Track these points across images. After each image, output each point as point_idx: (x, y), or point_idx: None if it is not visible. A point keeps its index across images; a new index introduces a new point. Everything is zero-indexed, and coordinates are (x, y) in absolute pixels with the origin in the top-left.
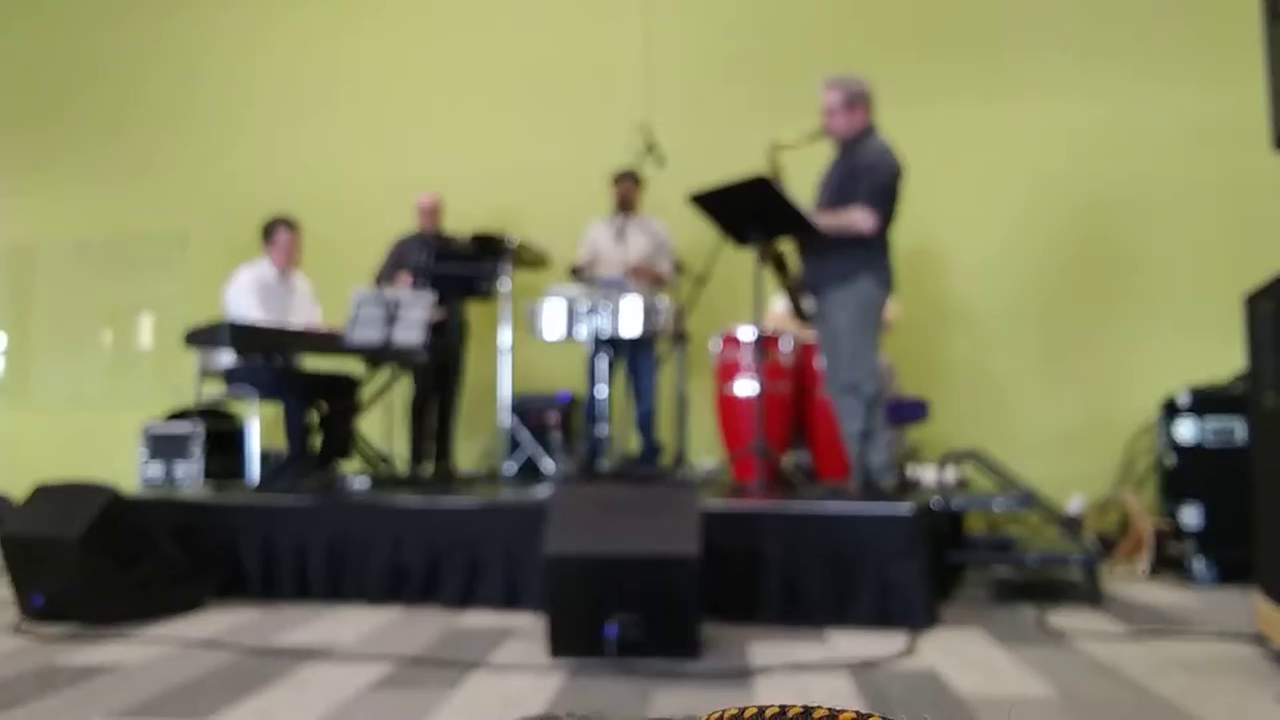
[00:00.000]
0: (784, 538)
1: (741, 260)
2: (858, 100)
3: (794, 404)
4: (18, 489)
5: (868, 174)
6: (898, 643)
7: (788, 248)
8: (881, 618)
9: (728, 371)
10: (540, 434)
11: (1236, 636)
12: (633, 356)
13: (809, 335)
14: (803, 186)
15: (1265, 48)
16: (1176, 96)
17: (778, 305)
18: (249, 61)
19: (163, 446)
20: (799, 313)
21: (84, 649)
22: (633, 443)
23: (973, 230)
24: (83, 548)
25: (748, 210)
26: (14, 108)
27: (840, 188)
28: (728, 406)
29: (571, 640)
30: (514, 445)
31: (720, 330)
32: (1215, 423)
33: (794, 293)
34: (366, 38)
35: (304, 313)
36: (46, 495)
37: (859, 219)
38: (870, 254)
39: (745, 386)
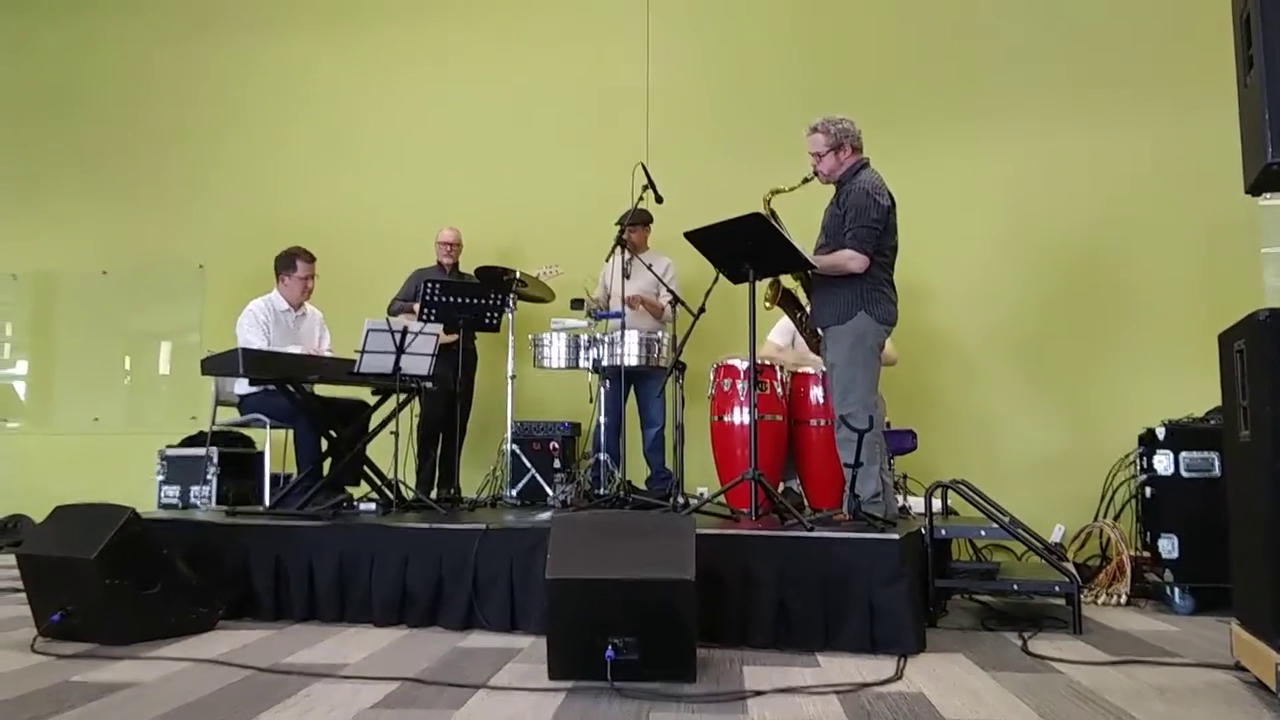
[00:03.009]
0: (776, 564)
1: (738, 292)
2: (843, 139)
3: (787, 433)
4: (38, 510)
5: (853, 216)
6: (887, 668)
7: (793, 285)
8: (871, 643)
9: (723, 401)
10: (543, 461)
11: (1214, 664)
12: (639, 387)
13: (804, 365)
14: (805, 229)
15: (1239, 98)
16: (1156, 134)
17: (773, 336)
18: (275, 100)
19: (179, 469)
20: (816, 349)
21: (99, 667)
22: (637, 470)
23: (957, 264)
24: (100, 567)
25: (742, 246)
26: (46, 141)
27: (830, 228)
28: (722, 435)
29: (571, 662)
30: (518, 471)
31: (715, 360)
32: (1191, 456)
33: (809, 330)
34: (392, 81)
35: (312, 341)
36: (65, 516)
37: (846, 259)
38: (867, 291)
39: (739, 416)
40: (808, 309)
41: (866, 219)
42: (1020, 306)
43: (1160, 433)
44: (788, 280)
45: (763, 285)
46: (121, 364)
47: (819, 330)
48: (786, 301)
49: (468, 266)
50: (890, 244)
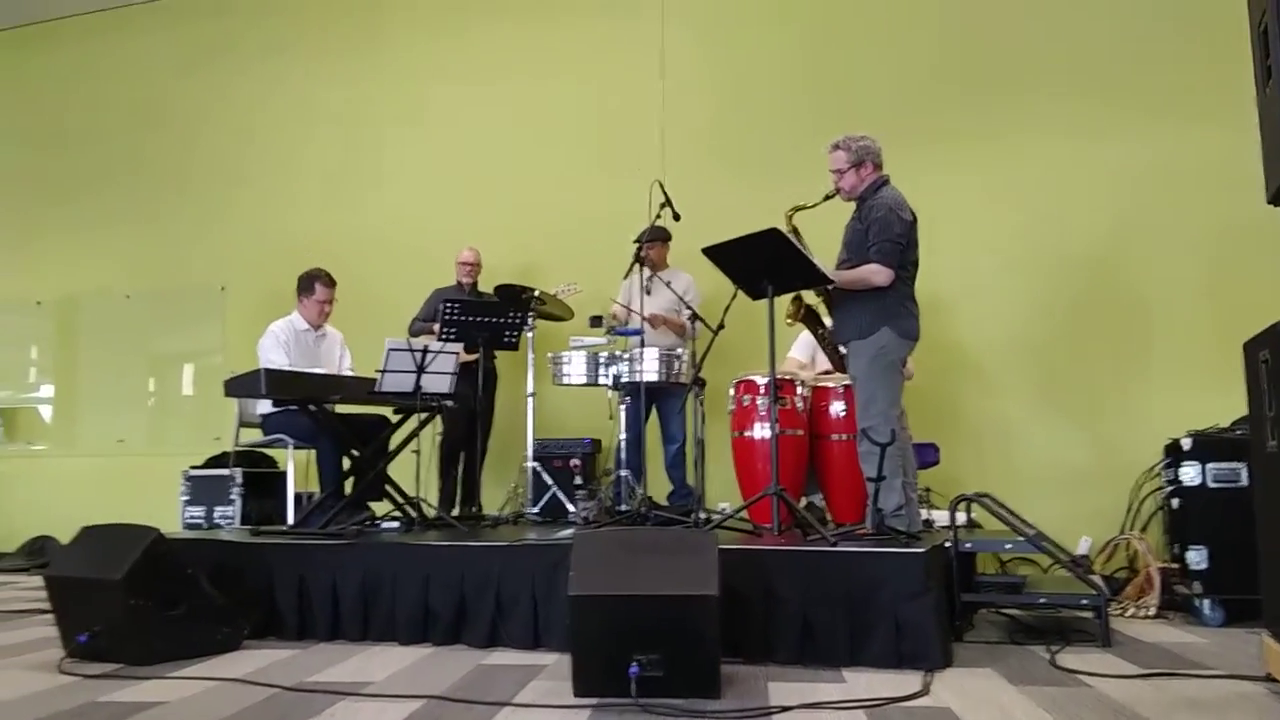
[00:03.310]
0: (800, 579)
1: (758, 308)
2: (864, 156)
3: (808, 448)
4: (64, 531)
5: (877, 230)
6: (913, 683)
7: (814, 301)
8: (897, 658)
9: (743, 416)
10: (564, 477)
11: (1245, 676)
12: (660, 403)
13: (825, 380)
14: (825, 245)
15: (1259, 108)
16: (1173, 144)
17: (794, 352)
18: (292, 122)
19: (203, 490)
20: (839, 365)
21: (125, 687)
22: (657, 486)
23: (974, 277)
24: (125, 588)
25: (760, 262)
26: (68, 168)
27: (852, 244)
28: (743, 451)
29: (595, 679)
30: (539, 488)
31: (735, 377)
32: (1218, 466)
33: (831, 345)
34: (403, 105)
35: (333, 361)
36: (91, 537)
37: (871, 273)
38: (891, 306)
39: (759, 431)
40: (829, 325)
41: (891, 233)
42: (1040, 318)
43: (1186, 443)
44: (809, 296)
45: (785, 301)
46: (145, 386)
47: (840, 347)
48: (809, 318)
49: (486, 286)
50: (912, 259)
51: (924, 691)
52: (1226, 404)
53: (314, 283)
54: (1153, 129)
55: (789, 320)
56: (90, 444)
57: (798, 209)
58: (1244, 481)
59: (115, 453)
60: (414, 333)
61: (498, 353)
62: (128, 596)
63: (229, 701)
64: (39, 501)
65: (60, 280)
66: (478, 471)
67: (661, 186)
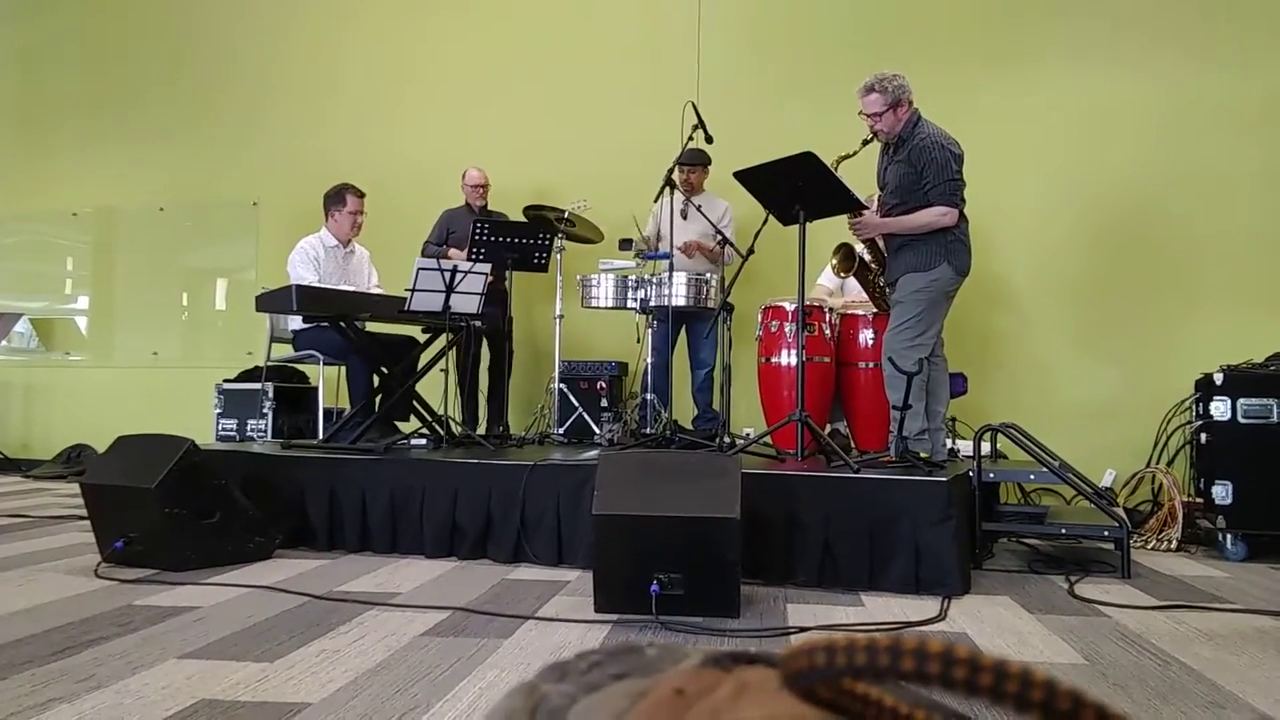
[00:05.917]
0: (821, 504)
1: (788, 233)
2: (900, 96)
3: (834, 375)
4: (99, 440)
5: (934, 171)
6: (931, 608)
7: (860, 248)
8: (915, 584)
9: (770, 342)
10: (590, 400)
11: (1264, 611)
12: (690, 327)
13: (853, 308)
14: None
15: None
16: (1218, 77)
17: (823, 280)
18: (323, 39)
19: (235, 403)
20: (886, 308)
21: (160, 592)
22: (682, 411)
23: (1010, 207)
24: (160, 496)
25: (792, 187)
26: (104, 81)
27: (904, 184)
28: (769, 377)
29: (616, 596)
30: (565, 410)
31: (764, 302)
32: (1249, 402)
33: (881, 291)
34: (435, 23)
35: (361, 278)
36: (126, 446)
37: (938, 216)
38: (950, 244)
39: (786, 358)
40: (875, 270)
41: (949, 173)
42: (1075, 250)
43: (1218, 378)
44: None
45: (842, 250)
46: (179, 300)
47: (887, 287)
48: (861, 270)
49: (515, 206)
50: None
51: (941, 617)
52: (1261, 341)
53: (343, 194)
54: (1198, 61)
55: (842, 274)
56: (125, 356)
57: (843, 158)
58: (1275, 418)
59: (150, 365)
60: (427, 255)
61: (519, 274)
62: (162, 504)
63: (261, 607)
64: (75, 411)
65: (95, 192)
66: (504, 391)
67: (695, 108)
